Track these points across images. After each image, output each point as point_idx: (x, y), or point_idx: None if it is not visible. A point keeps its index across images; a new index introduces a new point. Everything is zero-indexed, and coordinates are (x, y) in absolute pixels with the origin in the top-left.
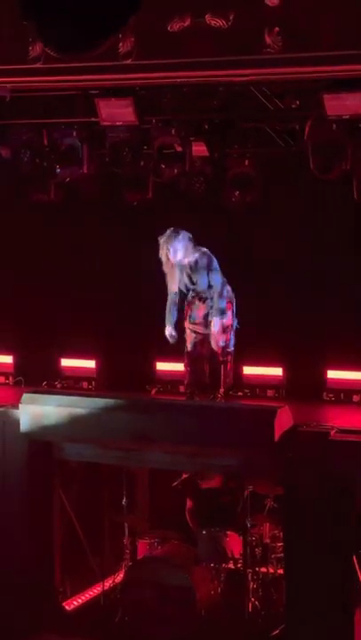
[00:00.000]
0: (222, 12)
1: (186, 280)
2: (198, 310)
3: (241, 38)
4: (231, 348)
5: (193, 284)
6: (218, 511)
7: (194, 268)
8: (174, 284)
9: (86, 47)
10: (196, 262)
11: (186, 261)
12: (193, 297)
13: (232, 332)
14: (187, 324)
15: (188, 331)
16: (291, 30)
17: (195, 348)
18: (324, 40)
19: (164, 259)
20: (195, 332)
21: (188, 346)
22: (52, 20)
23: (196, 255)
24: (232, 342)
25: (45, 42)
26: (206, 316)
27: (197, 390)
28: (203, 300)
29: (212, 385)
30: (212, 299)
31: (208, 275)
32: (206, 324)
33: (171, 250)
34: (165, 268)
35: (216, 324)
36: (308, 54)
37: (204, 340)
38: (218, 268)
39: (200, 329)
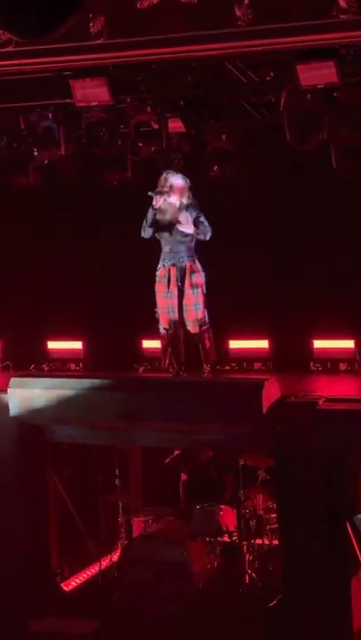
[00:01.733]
0: None
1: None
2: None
3: (211, 12)
4: (207, 324)
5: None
6: (211, 486)
7: (185, 213)
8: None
9: (45, 30)
10: (189, 206)
11: (183, 198)
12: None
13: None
14: (163, 302)
15: (162, 309)
16: (260, 2)
17: (171, 327)
18: (293, 10)
19: (165, 188)
20: (170, 310)
21: (166, 325)
22: (10, 5)
23: (191, 201)
24: (207, 317)
25: (5, 26)
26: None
27: (179, 368)
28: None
29: (194, 362)
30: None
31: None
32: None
33: (172, 177)
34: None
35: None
36: (279, 25)
37: (180, 318)
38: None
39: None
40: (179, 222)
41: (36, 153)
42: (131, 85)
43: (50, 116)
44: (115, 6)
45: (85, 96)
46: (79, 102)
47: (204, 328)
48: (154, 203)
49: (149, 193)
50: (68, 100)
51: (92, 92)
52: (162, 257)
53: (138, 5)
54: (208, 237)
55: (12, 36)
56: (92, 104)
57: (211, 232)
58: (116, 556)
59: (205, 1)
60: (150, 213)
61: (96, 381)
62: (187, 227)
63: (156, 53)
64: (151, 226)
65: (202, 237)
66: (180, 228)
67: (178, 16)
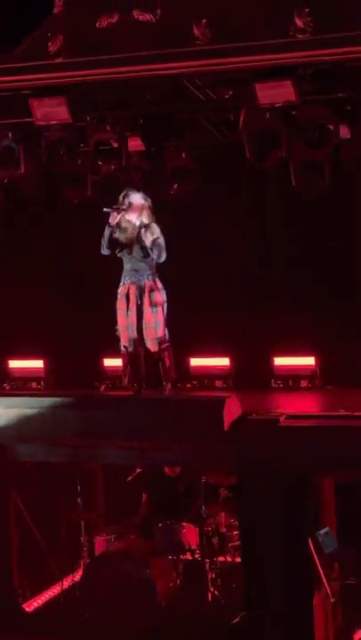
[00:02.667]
0: (149, 6)
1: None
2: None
3: (170, 31)
4: (167, 342)
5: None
6: (173, 503)
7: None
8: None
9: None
10: (148, 225)
11: (143, 217)
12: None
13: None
14: (123, 321)
15: (122, 327)
16: (219, 21)
17: (131, 345)
18: (251, 30)
19: (123, 206)
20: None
21: (126, 343)
22: None
23: (151, 220)
24: (167, 335)
25: None
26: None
27: (139, 386)
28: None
29: (155, 381)
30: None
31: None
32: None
33: (132, 195)
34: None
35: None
36: (237, 45)
37: (140, 336)
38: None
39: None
40: (138, 241)
41: None
42: (90, 104)
43: (9, 135)
44: (73, 25)
45: (45, 115)
46: (39, 121)
47: (163, 346)
48: (110, 220)
49: (104, 209)
50: (27, 119)
51: (51, 111)
52: (123, 275)
53: (97, 24)
54: (162, 259)
55: None
56: (52, 123)
57: (165, 254)
58: (78, 576)
59: (164, 20)
60: (107, 230)
61: (57, 400)
62: (145, 246)
63: (115, 72)
64: (109, 243)
65: (155, 258)
66: (140, 246)
67: (137, 35)
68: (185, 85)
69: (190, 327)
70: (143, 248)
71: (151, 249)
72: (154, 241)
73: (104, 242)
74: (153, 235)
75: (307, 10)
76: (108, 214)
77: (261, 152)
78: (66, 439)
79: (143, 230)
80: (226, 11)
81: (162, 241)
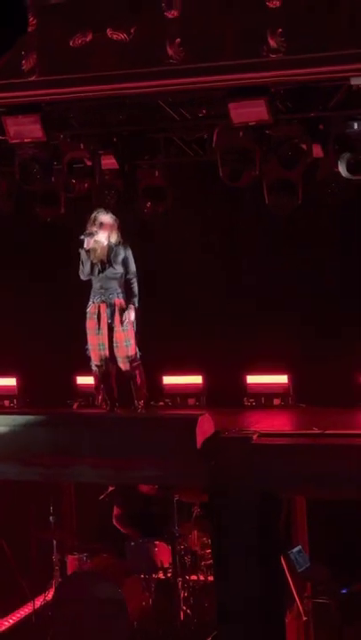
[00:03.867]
0: (123, 25)
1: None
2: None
3: (143, 50)
4: (138, 361)
5: (110, 265)
6: (145, 522)
7: (114, 251)
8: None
9: None
10: (118, 245)
11: (112, 237)
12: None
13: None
14: (94, 339)
15: (93, 345)
16: (192, 41)
17: (102, 364)
18: (224, 49)
19: (94, 228)
20: (101, 347)
21: (98, 362)
22: None
23: (120, 240)
24: (138, 354)
25: None
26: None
27: (112, 405)
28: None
29: (126, 399)
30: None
31: (126, 261)
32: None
33: (101, 215)
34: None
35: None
36: (210, 64)
37: (112, 355)
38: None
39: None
40: (108, 260)
41: None
42: (64, 122)
43: None
44: (47, 44)
45: (19, 133)
46: (12, 139)
47: (134, 365)
48: (85, 244)
49: (81, 237)
50: (0, 137)
51: (25, 129)
52: (92, 294)
53: (70, 43)
54: (135, 305)
55: None
56: (26, 140)
57: (137, 299)
58: (50, 595)
59: (138, 39)
60: (84, 255)
61: (30, 418)
62: (116, 265)
63: (88, 90)
64: (89, 267)
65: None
66: (110, 266)
67: (110, 54)
68: (159, 104)
69: (163, 345)
70: (113, 267)
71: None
72: (129, 285)
73: (83, 267)
74: (125, 255)
75: (280, 30)
76: (82, 241)
77: (235, 171)
78: (38, 457)
79: (115, 249)
80: (199, 30)
81: (135, 286)
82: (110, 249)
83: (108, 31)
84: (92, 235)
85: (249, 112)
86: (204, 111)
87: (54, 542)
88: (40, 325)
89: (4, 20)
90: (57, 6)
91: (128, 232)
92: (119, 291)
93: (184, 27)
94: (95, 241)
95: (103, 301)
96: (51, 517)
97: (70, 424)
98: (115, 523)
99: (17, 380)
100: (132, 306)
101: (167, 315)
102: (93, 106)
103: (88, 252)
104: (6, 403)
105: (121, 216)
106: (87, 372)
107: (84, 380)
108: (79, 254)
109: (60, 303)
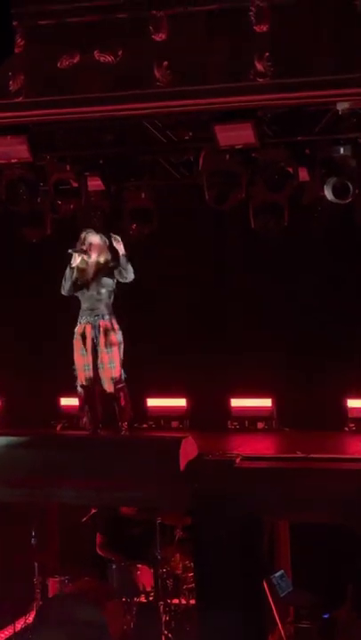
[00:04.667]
0: (111, 47)
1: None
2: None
3: (131, 73)
4: (123, 383)
5: (98, 286)
6: (128, 544)
7: (103, 272)
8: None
9: None
10: (106, 265)
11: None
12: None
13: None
14: (79, 360)
15: (79, 366)
16: (179, 64)
17: (87, 385)
18: (211, 73)
19: (84, 247)
20: (86, 368)
21: (83, 382)
22: None
23: (109, 260)
24: (123, 375)
25: None
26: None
27: (96, 426)
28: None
29: (110, 420)
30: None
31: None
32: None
33: (91, 235)
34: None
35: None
36: (197, 87)
37: (96, 376)
38: None
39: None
40: (96, 281)
41: None
42: (50, 143)
43: None
44: (35, 65)
45: (5, 153)
46: None
47: (119, 386)
48: (72, 261)
49: (69, 251)
50: None
51: (11, 150)
52: (80, 314)
53: (58, 65)
54: (130, 277)
55: None
56: (12, 161)
57: (132, 276)
58: (31, 618)
59: (125, 62)
60: (68, 271)
61: (13, 439)
62: (103, 287)
63: (75, 112)
64: (70, 284)
65: (121, 278)
66: (97, 287)
67: (97, 76)
68: (145, 126)
69: (147, 367)
70: (101, 287)
71: (120, 267)
72: (125, 261)
73: (65, 283)
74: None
75: (267, 54)
76: (69, 255)
77: (221, 193)
78: (21, 479)
79: (104, 270)
80: (187, 53)
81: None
82: (99, 269)
83: (96, 53)
84: (81, 252)
85: (236, 135)
86: (190, 134)
87: (36, 565)
88: (24, 346)
89: None
90: (44, 27)
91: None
92: (106, 312)
93: (171, 50)
94: (85, 261)
95: (89, 322)
96: (32, 539)
97: (53, 445)
98: (99, 551)
99: (1, 401)
100: (117, 329)
101: (152, 337)
102: (80, 127)
103: (73, 269)
104: None
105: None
106: (71, 393)
107: (68, 402)
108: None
109: (46, 323)
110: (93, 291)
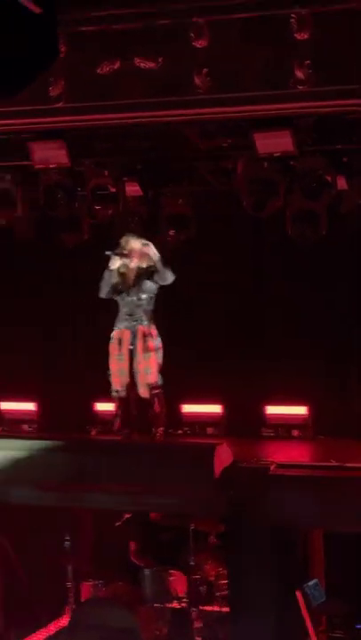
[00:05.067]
0: (151, 54)
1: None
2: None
3: (171, 79)
4: (159, 388)
5: (138, 291)
6: (161, 550)
7: (143, 277)
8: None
9: (6, 93)
10: (147, 271)
11: (142, 263)
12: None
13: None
14: (115, 365)
15: (114, 371)
16: (219, 71)
17: (122, 390)
18: (251, 80)
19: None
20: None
21: (118, 387)
22: None
23: (150, 266)
24: (159, 381)
25: None
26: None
27: (130, 432)
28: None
29: (145, 426)
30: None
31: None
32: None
33: (132, 240)
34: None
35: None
36: (237, 95)
37: (132, 381)
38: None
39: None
40: (137, 286)
41: None
42: (89, 148)
43: (8, 177)
44: (75, 70)
45: (44, 158)
46: (37, 164)
47: (154, 392)
48: (110, 264)
49: (107, 252)
50: (26, 162)
51: (50, 155)
52: (117, 318)
53: (98, 70)
54: (169, 280)
55: None
56: (51, 166)
57: (172, 277)
58: (64, 621)
59: (165, 68)
60: (107, 274)
61: (48, 443)
62: (143, 292)
63: (114, 118)
64: (108, 287)
65: (160, 281)
66: (139, 292)
67: (137, 82)
68: (183, 132)
69: (183, 373)
70: (141, 293)
71: (157, 271)
72: (163, 266)
73: (103, 286)
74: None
75: (308, 62)
76: (107, 258)
77: (259, 201)
78: (55, 483)
79: (145, 276)
80: (227, 60)
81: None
82: (139, 275)
83: (136, 59)
84: (120, 255)
85: (274, 143)
86: (228, 141)
87: (69, 568)
88: (61, 351)
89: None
90: (86, 33)
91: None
92: (144, 317)
93: (212, 56)
94: (125, 265)
95: (127, 328)
96: (67, 543)
97: (89, 450)
98: (132, 559)
99: (36, 405)
100: (155, 335)
101: (188, 343)
102: (119, 133)
103: (112, 271)
104: (25, 427)
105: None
106: (106, 398)
107: (103, 407)
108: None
109: (82, 329)
110: (134, 296)
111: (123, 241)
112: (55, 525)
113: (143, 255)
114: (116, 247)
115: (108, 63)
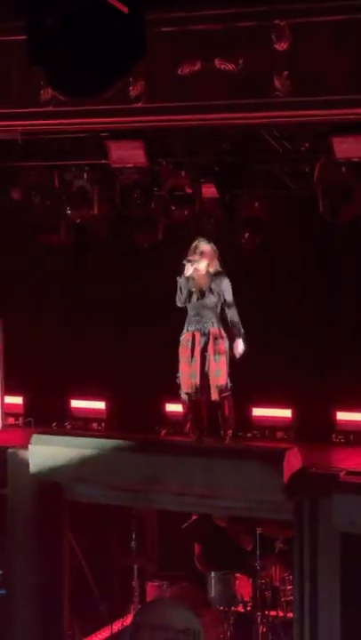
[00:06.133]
0: (232, 56)
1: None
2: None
3: (251, 82)
4: (228, 391)
5: (208, 293)
6: (227, 553)
7: (213, 280)
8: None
9: (94, 91)
10: (216, 274)
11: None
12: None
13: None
14: (186, 368)
15: (185, 374)
16: (299, 74)
17: (193, 393)
18: (331, 84)
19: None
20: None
21: (188, 390)
22: (60, 65)
23: (219, 270)
24: (228, 384)
25: (54, 86)
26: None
27: (200, 434)
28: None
29: (214, 429)
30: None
31: (223, 291)
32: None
33: (203, 243)
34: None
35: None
36: (317, 98)
37: (203, 384)
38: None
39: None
40: (206, 289)
41: (68, 211)
42: (166, 149)
43: (85, 175)
44: (155, 71)
45: (121, 157)
46: (115, 163)
47: (224, 395)
48: (185, 271)
49: (183, 262)
50: (103, 161)
51: (128, 154)
52: (187, 321)
53: (178, 71)
54: (241, 333)
55: (58, 96)
56: (128, 165)
57: (243, 335)
58: (128, 620)
59: (245, 71)
60: (183, 281)
61: (118, 442)
62: (213, 294)
63: (193, 119)
64: (185, 295)
65: (229, 315)
66: (207, 294)
67: (217, 84)
68: (261, 135)
69: (254, 377)
70: (210, 295)
71: (232, 327)
72: (233, 322)
73: (181, 294)
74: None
75: None
76: (182, 266)
77: (335, 206)
78: (124, 483)
79: (214, 279)
80: (308, 63)
81: (237, 319)
82: (209, 278)
83: (217, 61)
84: (193, 262)
85: (353, 147)
86: (306, 144)
87: (135, 568)
88: (132, 350)
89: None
90: (167, 34)
91: (225, 261)
92: (214, 320)
93: (293, 59)
94: (195, 269)
95: (198, 329)
96: (133, 542)
97: (157, 451)
98: (197, 563)
99: (106, 404)
100: (225, 336)
101: (260, 346)
102: (197, 134)
103: (188, 279)
104: (94, 426)
105: (218, 245)
106: (177, 399)
107: (174, 408)
108: (176, 281)
109: (154, 329)
110: (203, 298)
111: (193, 244)
112: (122, 525)
113: (213, 257)
114: (187, 253)
115: (188, 64)
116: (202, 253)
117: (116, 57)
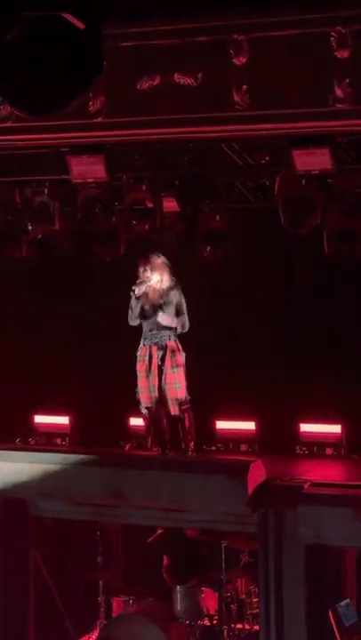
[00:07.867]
0: (191, 70)
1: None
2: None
3: (210, 96)
4: (188, 404)
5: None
6: (193, 567)
7: (166, 299)
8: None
9: (51, 108)
10: (170, 288)
11: (164, 280)
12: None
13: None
14: (144, 382)
15: (144, 388)
16: (258, 88)
17: (153, 406)
18: (290, 98)
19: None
20: (151, 389)
21: (148, 404)
22: (17, 82)
23: (172, 283)
24: (187, 397)
25: (12, 103)
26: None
27: (163, 448)
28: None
29: (176, 442)
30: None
31: (178, 305)
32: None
33: (153, 258)
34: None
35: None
36: (276, 111)
37: (161, 397)
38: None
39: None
40: (160, 303)
41: (30, 227)
42: (127, 163)
43: (45, 191)
44: (115, 86)
45: (82, 172)
46: (75, 178)
47: (183, 407)
48: (136, 292)
49: (133, 287)
50: (64, 176)
51: (88, 169)
52: (143, 336)
53: (138, 86)
54: (186, 329)
55: (17, 113)
56: (88, 180)
57: (188, 325)
58: (94, 637)
59: (204, 85)
60: (134, 302)
61: (81, 457)
62: (167, 308)
63: (153, 133)
64: (137, 313)
65: (179, 329)
66: (161, 309)
67: (177, 98)
68: (222, 148)
69: (217, 390)
70: (164, 310)
71: (177, 317)
72: (180, 311)
73: (132, 313)
74: (179, 299)
75: (347, 80)
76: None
77: (296, 218)
78: (88, 497)
79: (167, 294)
80: (266, 78)
81: (185, 312)
82: (162, 292)
83: (176, 75)
84: (143, 283)
85: (313, 160)
86: (267, 158)
87: (100, 583)
88: (94, 365)
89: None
90: (125, 49)
91: (185, 274)
92: (170, 333)
93: (251, 74)
94: (147, 285)
95: (155, 343)
96: (98, 558)
97: (122, 465)
98: (165, 575)
99: (69, 419)
100: (181, 349)
101: (222, 360)
102: (157, 148)
103: (139, 299)
104: (58, 441)
105: (179, 258)
106: (141, 413)
107: (137, 422)
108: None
109: (116, 343)
110: (158, 313)
111: (140, 266)
112: (87, 540)
113: (164, 270)
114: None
115: (147, 79)
116: (153, 267)
117: (73, 73)
